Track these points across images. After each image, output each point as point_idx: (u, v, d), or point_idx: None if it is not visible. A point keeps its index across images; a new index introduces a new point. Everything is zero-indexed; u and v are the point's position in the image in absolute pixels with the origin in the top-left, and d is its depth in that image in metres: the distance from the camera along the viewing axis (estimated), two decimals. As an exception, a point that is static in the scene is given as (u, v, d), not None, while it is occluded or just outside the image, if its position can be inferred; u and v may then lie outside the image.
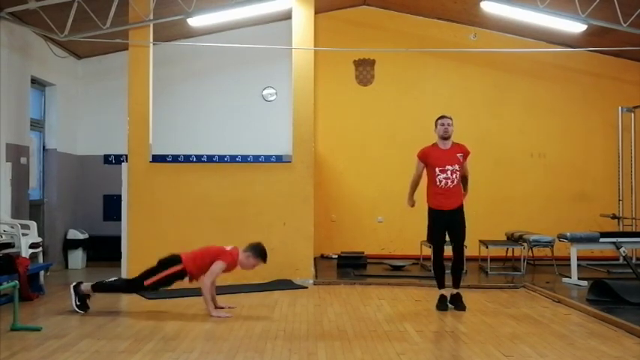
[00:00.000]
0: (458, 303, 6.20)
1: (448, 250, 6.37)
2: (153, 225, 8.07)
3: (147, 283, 5.91)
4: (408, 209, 10.24)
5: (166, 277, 5.90)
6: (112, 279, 6.24)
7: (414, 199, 6.46)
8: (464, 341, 4.95)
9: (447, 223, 6.20)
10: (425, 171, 6.30)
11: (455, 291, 6.28)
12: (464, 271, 8.41)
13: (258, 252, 6.07)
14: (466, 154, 6.27)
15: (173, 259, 5.94)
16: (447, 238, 6.32)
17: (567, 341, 4.96)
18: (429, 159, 6.21)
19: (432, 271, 6.54)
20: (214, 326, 5.50)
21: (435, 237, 6.28)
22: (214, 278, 5.95)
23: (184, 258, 5.93)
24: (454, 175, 6.14)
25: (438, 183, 6.14)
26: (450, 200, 6.18)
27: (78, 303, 5.95)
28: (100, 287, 6.04)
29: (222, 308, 6.03)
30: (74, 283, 6.05)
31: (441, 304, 6.22)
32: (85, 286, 6.00)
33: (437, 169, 6.13)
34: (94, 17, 7.56)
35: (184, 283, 7.08)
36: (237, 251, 6.05)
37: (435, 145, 6.29)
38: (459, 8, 9.76)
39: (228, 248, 6.04)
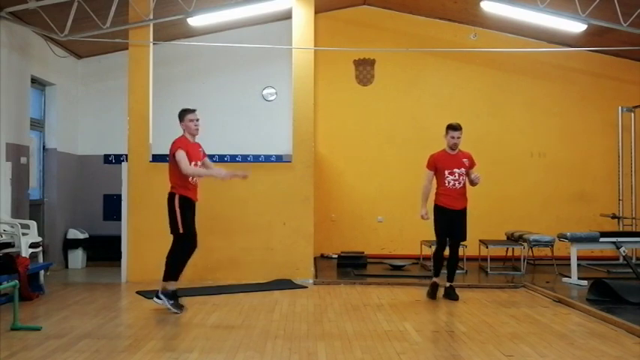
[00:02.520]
0: (451, 293, 6.77)
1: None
2: (153, 225, 8.05)
3: (181, 232, 5.95)
4: (408, 209, 10.37)
5: (182, 213, 5.93)
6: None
7: (426, 208, 6.82)
8: (464, 341, 4.96)
9: (449, 221, 6.73)
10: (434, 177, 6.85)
11: (449, 284, 6.86)
12: (463, 270, 8.49)
13: (182, 113, 6.37)
14: (471, 162, 6.83)
15: (169, 198, 6.03)
16: None
17: (567, 341, 4.97)
18: (438, 163, 6.77)
19: (432, 260, 7.12)
20: (214, 326, 5.51)
21: (439, 233, 6.80)
22: (187, 164, 5.98)
23: (173, 190, 6.06)
24: (461, 178, 6.73)
25: (447, 184, 6.71)
26: (456, 201, 6.74)
27: (171, 302, 5.92)
28: (168, 274, 6.01)
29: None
30: (155, 296, 6.00)
31: (432, 291, 6.84)
32: (163, 286, 5.99)
33: (446, 172, 6.71)
34: (94, 17, 7.56)
35: (185, 283, 7.10)
36: (180, 138, 6.26)
37: (443, 151, 6.89)
38: (459, 8, 9.76)
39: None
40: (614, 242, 7.91)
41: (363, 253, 9.49)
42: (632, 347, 4.78)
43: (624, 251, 8.00)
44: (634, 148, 10.00)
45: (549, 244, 8.56)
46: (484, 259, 8.78)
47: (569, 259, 7.92)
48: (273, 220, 8.15)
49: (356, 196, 10.40)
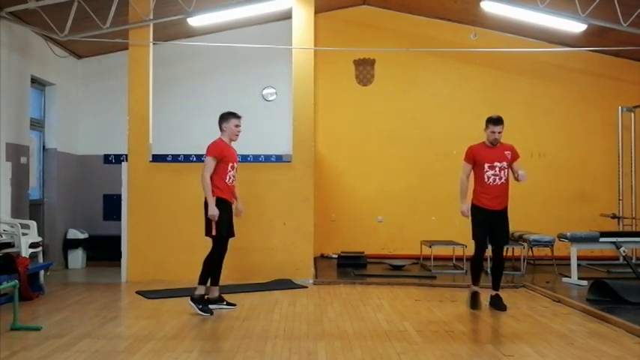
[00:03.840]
0: (498, 303, 6.18)
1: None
2: (153, 225, 8.07)
3: (214, 235, 5.97)
4: (408, 209, 10.39)
5: (219, 217, 5.93)
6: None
7: (468, 204, 6.19)
8: (464, 341, 4.96)
9: (489, 222, 6.12)
10: (472, 172, 6.26)
11: (494, 292, 6.30)
12: (463, 271, 8.49)
13: (226, 116, 6.26)
14: (514, 154, 6.20)
15: (206, 202, 6.00)
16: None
17: (567, 341, 4.96)
18: (477, 156, 6.16)
19: (470, 266, 6.52)
20: (214, 326, 5.51)
21: (478, 235, 6.18)
22: (208, 172, 5.99)
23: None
24: (502, 173, 6.10)
25: (486, 180, 6.09)
26: (495, 200, 6.11)
27: (200, 306, 5.93)
28: (204, 277, 6.04)
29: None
30: (190, 299, 6.00)
31: (474, 302, 6.24)
32: (198, 291, 6.00)
33: (485, 165, 6.09)
34: (94, 17, 7.56)
35: (185, 283, 7.10)
36: (217, 140, 6.20)
37: (483, 143, 6.28)
38: (459, 8, 9.76)
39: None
40: (614, 242, 7.91)
41: (363, 253, 9.49)
42: (632, 347, 4.78)
43: (624, 251, 8.00)
44: (634, 148, 9.99)
45: (549, 244, 8.56)
46: (484, 259, 8.75)
47: (569, 259, 7.92)
48: (273, 220, 8.15)
49: (356, 196, 10.40)
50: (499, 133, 6.14)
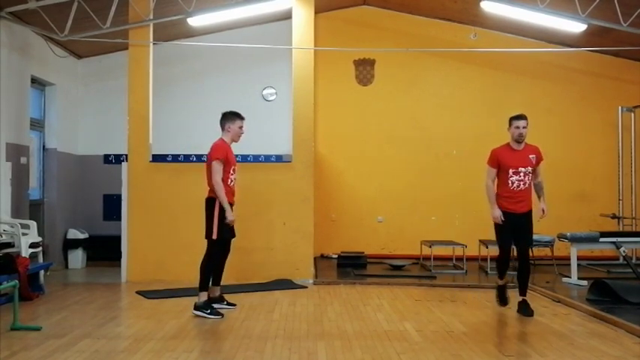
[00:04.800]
0: (525, 309, 5.95)
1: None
2: (153, 225, 8.07)
3: (214, 238, 5.87)
4: (408, 209, 10.38)
5: (220, 219, 5.85)
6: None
7: (499, 209, 5.97)
8: (464, 341, 4.96)
9: (514, 225, 5.95)
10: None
11: (521, 298, 6.06)
12: (463, 271, 8.49)
13: (230, 117, 6.12)
14: (539, 157, 6.03)
15: (208, 204, 5.93)
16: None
17: (567, 341, 4.97)
18: (502, 160, 5.97)
19: (496, 266, 6.35)
20: (214, 326, 5.51)
21: (503, 240, 6.00)
22: (219, 175, 5.86)
23: (213, 195, 5.92)
24: (527, 178, 5.93)
25: (510, 185, 5.92)
26: (519, 204, 5.96)
27: (208, 311, 5.81)
28: (201, 284, 5.93)
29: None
30: (194, 309, 5.87)
31: (502, 297, 6.14)
32: (201, 298, 5.88)
33: (510, 171, 5.90)
34: (94, 17, 7.56)
35: (185, 283, 7.10)
36: (218, 140, 6.08)
37: (507, 145, 6.07)
38: (459, 8, 9.76)
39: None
40: (614, 242, 7.91)
41: (363, 253, 9.49)
42: (632, 347, 4.78)
43: (624, 251, 8.00)
44: (634, 148, 10.00)
45: (549, 244, 8.56)
46: (484, 259, 8.78)
47: (569, 259, 7.92)
48: (273, 220, 8.15)
49: (356, 196, 10.40)
50: (524, 128, 5.94)
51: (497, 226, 6.01)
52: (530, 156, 5.96)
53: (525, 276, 6.07)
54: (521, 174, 5.90)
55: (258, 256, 8.04)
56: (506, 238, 5.98)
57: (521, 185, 5.92)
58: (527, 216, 6.02)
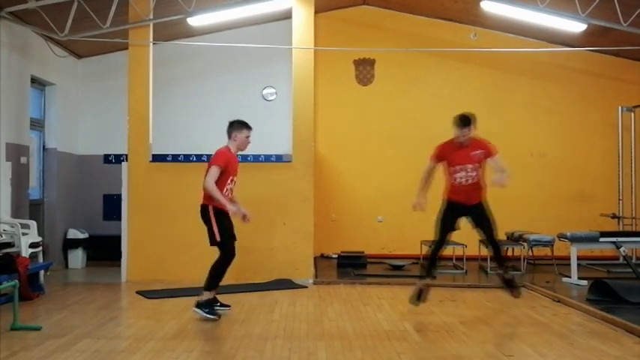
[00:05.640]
0: (510, 287, 6.06)
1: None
2: (153, 225, 8.07)
3: (218, 240, 5.74)
4: (408, 209, 10.33)
5: (218, 222, 5.76)
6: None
7: (424, 198, 6.03)
8: (464, 341, 4.95)
9: (457, 217, 5.95)
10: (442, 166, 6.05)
11: (508, 276, 6.11)
12: (463, 271, 8.49)
13: (238, 126, 5.99)
14: (487, 152, 5.86)
15: (203, 212, 5.84)
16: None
17: (567, 341, 4.97)
18: (446, 156, 5.94)
19: (428, 257, 6.28)
20: (214, 326, 5.51)
21: (440, 228, 5.99)
22: (213, 179, 5.70)
23: (206, 202, 5.82)
24: (474, 173, 5.85)
25: (455, 181, 5.91)
26: (466, 196, 5.91)
27: (206, 310, 5.71)
28: (208, 284, 5.80)
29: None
30: (195, 306, 5.76)
31: (420, 295, 6.10)
32: (205, 296, 5.76)
33: (455, 167, 5.88)
34: (94, 17, 7.56)
35: (185, 283, 7.10)
36: (224, 147, 5.95)
37: (452, 141, 5.97)
38: (459, 8, 9.76)
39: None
40: (614, 242, 7.91)
41: (363, 253, 9.48)
42: (632, 347, 4.78)
43: (624, 251, 8.00)
44: (634, 148, 9.99)
45: (549, 244, 8.56)
46: (484, 259, 8.77)
47: (569, 259, 7.92)
48: (273, 220, 8.15)
49: (356, 196, 10.40)
50: (464, 136, 5.82)
51: (439, 215, 6.00)
52: (476, 152, 5.84)
53: (498, 255, 6.06)
54: (468, 168, 5.83)
55: (258, 256, 8.03)
56: (443, 229, 5.95)
57: (469, 180, 5.86)
58: (479, 206, 5.94)
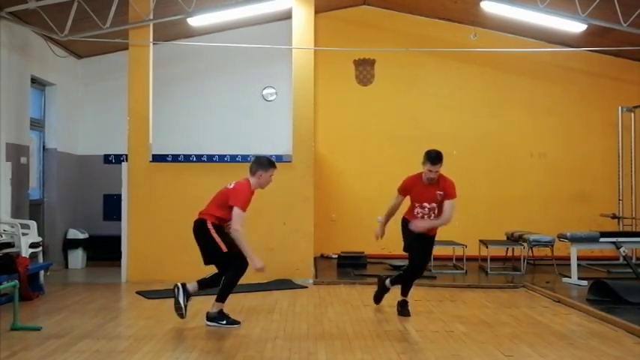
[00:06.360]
0: (403, 309, 5.97)
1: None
2: (153, 225, 8.07)
3: (225, 252, 5.44)
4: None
5: (219, 235, 5.46)
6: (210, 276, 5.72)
7: (383, 229, 6.16)
8: (464, 341, 4.95)
9: (420, 240, 5.93)
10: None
11: (402, 298, 6.07)
12: (463, 271, 8.49)
13: (265, 165, 5.66)
14: (448, 193, 5.83)
15: (201, 227, 5.53)
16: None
17: (567, 341, 4.97)
18: (411, 192, 6.02)
19: (406, 275, 6.16)
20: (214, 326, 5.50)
21: (412, 249, 5.93)
22: (240, 222, 5.42)
23: (205, 217, 5.54)
24: (432, 212, 5.88)
25: (415, 213, 5.93)
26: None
27: (224, 322, 5.49)
28: (223, 295, 5.56)
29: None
30: (208, 320, 5.52)
31: (380, 294, 6.29)
32: (215, 308, 5.53)
33: (416, 204, 5.95)
34: (94, 17, 7.56)
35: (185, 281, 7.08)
36: (246, 182, 5.62)
37: (419, 176, 5.98)
38: (459, 8, 9.75)
39: (230, 186, 5.60)
40: (614, 242, 7.91)
41: (363, 253, 9.48)
42: (632, 347, 4.78)
43: (624, 251, 8.00)
44: (634, 148, 10.00)
45: (549, 244, 8.56)
46: (484, 259, 8.78)
47: (569, 259, 7.92)
48: (273, 221, 8.15)
49: (356, 196, 10.39)
50: (436, 172, 5.79)
51: (405, 236, 5.97)
52: (438, 193, 5.84)
53: (410, 281, 6.06)
54: (427, 208, 5.89)
55: (258, 256, 8.00)
56: (415, 250, 5.91)
57: (426, 217, 5.90)
58: (431, 239, 6.04)
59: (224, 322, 5.51)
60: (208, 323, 5.50)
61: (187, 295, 5.56)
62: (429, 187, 5.88)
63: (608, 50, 9.75)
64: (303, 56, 8.32)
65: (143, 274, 7.93)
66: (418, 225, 5.83)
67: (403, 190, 6.09)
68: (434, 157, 5.79)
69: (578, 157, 10.42)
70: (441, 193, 5.85)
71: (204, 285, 5.70)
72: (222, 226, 5.58)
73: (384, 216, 6.20)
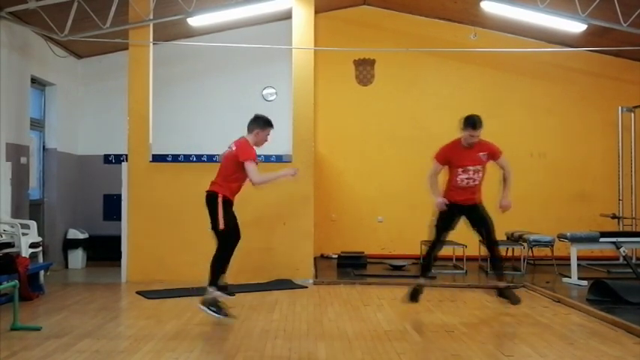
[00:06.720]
0: (507, 295, 6.00)
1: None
2: (153, 225, 8.07)
3: (221, 228, 5.65)
4: (408, 209, 10.36)
5: (224, 211, 5.67)
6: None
7: (442, 196, 5.96)
8: (464, 341, 4.95)
9: (457, 216, 5.99)
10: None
11: (501, 284, 6.11)
12: (463, 271, 8.50)
13: (263, 123, 5.94)
14: (493, 153, 5.95)
15: (211, 199, 5.77)
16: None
17: (567, 341, 4.97)
18: (450, 157, 5.96)
19: (424, 257, 6.28)
20: (214, 326, 5.50)
21: (438, 228, 6.01)
22: (257, 174, 5.82)
23: (217, 189, 5.78)
24: (477, 175, 5.91)
25: (458, 182, 5.91)
26: (465, 196, 5.93)
27: (214, 309, 5.54)
28: (213, 278, 5.68)
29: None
30: (200, 303, 5.60)
31: (414, 294, 6.14)
32: (209, 294, 5.58)
33: (459, 170, 5.90)
34: (94, 17, 7.56)
35: (185, 283, 7.09)
36: (245, 140, 5.90)
37: (458, 143, 6.00)
38: (459, 8, 9.75)
39: (233, 149, 5.88)
40: (614, 242, 7.91)
41: (363, 253, 9.48)
42: (632, 347, 4.78)
43: (624, 251, 8.00)
44: (634, 148, 9.99)
45: (549, 244, 8.57)
46: (484, 259, 8.77)
47: (569, 259, 7.92)
48: (273, 221, 8.15)
49: (356, 196, 10.40)
50: (477, 137, 5.87)
51: (439, 214, 5.98)
52: (481, 154, 5.92)
53: (495, 257, 6.15)
54: (471, 172, 5.89)
55: (258, 256, 8.03)
56: (441, 229, 6.00)
57: (470, 182, 5.91)
58: (477, 207, 6.00)
59: (213, 309, 5.51)
60: (200, 307, 5.55)
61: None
62: (470, 150, 5.89)
63: (608, 50, 9.75)
64: (303, 56, 8.32)
65: (143, 274, 7.93)
66: (506, 204, 5.85)
67: (443, 158, 5.99)
68: (476, 122, 5.83)
69: (578, 157, 10.41)
70: (485, 153, 5.90)
71: (217, 281, 5.74)
72: (231, 202, 5.78)
73: (433, 188, 5.96)
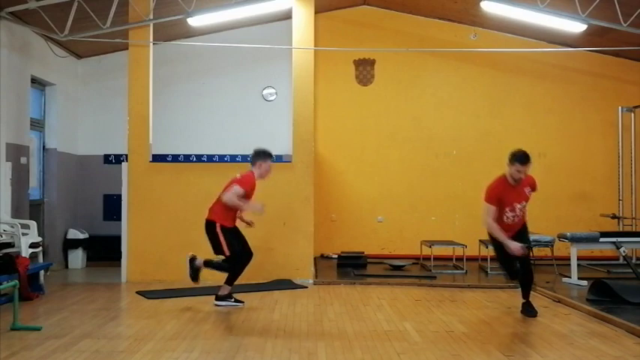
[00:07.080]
0: (529, 309, 6.00)
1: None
2: (153, 225, 8.07)
3: (228, 255, 6.22)
4: (408, 209, 10.38)
5: (226, 239, 6.20)
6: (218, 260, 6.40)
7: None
8: (464, 341, 4.95)
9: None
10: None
11: (525, 300, 6.11)
12: (463, 271, 8.50)
13: (264, 156, 6.42)
14: (534, 188, 6.04)
15: (209, 228, 6.24)
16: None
17: (567, 341, 4.97)
18: (503, 198, 5.82)
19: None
20: (214, 326, 5.51)
21: (503, 261, 6.03)
22: (235, 196, 6.15)
23: (215, 218, 6.25)
24: (521, 212, 5.93)
25: (505, 220, 5.85)
26: (511, 231, 5.88)
27: (232, 300, 6.34)
28: (231, 279, 6.39)
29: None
30: (190, 256, 6.36)
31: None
32: (199, 262, 6.31)
33: (507, 208, 5.83)
34: (94, 17, 7.56)
35: (185, 283, 7.11)
36: (251, 173, 6.36)
37: (503, 179, 5.94)
38: (459, 8, 9.75)
39: (237, 176, 6.33)
40: (614, 242, 7.90)
41: (363, 253, 9.48)
42: (632, 347, 4.78)
43: (624, 251, 7.99)
44: (634, 148, 9.99)
45: (549, 244, 8.56)
46: (484, 259, 8.78)
47: (569, 259, 7.93)
48: (273, 221, 8.14)
49: (356, 196, 10.40)
50: (525, 173, 5.85)
51: (497, 252, 6.00)
52: (526, 190, 5.96)
53: (527, 281, 6.08)
54: (517, 209, 5.89)
55: (258, 256, 7.98)
56: (507, 261, 5.96)
57: (515, 219, 5.92)
58: (521, 230, 6.02)
59: (232, 300, 6.31)
60: (216, 303, 6.28)
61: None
62: (516, 187, 5.88)
63: (608, 50, 9.75)
64: (303, 56, 8.32)
65: (143, 274, 7.93)
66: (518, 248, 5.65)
67: (496, 200, 5.81)
68: (524, 157, 5.83)
69: (578, 157, 10.41)
70: (529, 189, 5.95)
71: (209, 265, 6.40)
72: (229, 228, 6.26)
73: (499, 233, 5.76)
